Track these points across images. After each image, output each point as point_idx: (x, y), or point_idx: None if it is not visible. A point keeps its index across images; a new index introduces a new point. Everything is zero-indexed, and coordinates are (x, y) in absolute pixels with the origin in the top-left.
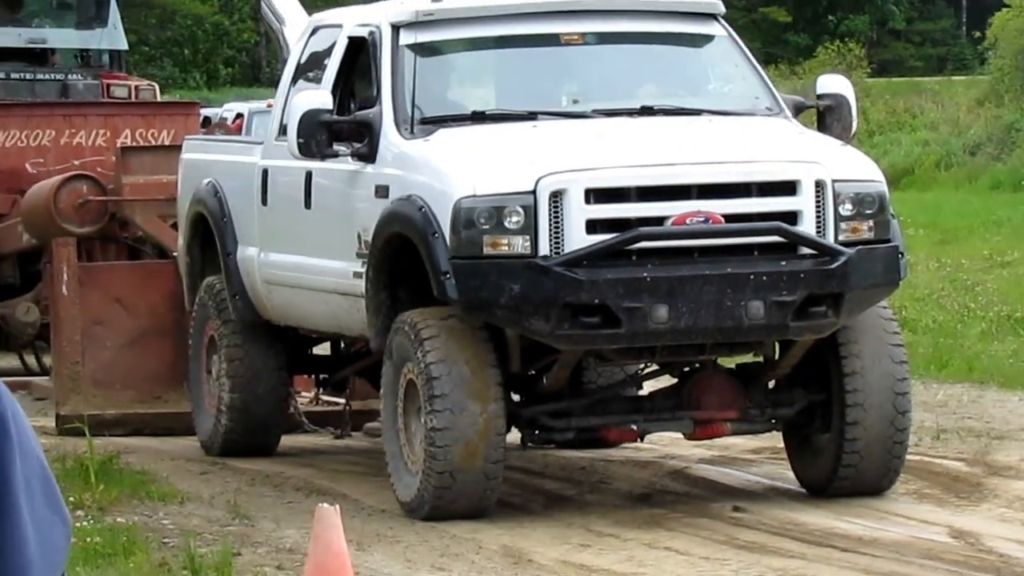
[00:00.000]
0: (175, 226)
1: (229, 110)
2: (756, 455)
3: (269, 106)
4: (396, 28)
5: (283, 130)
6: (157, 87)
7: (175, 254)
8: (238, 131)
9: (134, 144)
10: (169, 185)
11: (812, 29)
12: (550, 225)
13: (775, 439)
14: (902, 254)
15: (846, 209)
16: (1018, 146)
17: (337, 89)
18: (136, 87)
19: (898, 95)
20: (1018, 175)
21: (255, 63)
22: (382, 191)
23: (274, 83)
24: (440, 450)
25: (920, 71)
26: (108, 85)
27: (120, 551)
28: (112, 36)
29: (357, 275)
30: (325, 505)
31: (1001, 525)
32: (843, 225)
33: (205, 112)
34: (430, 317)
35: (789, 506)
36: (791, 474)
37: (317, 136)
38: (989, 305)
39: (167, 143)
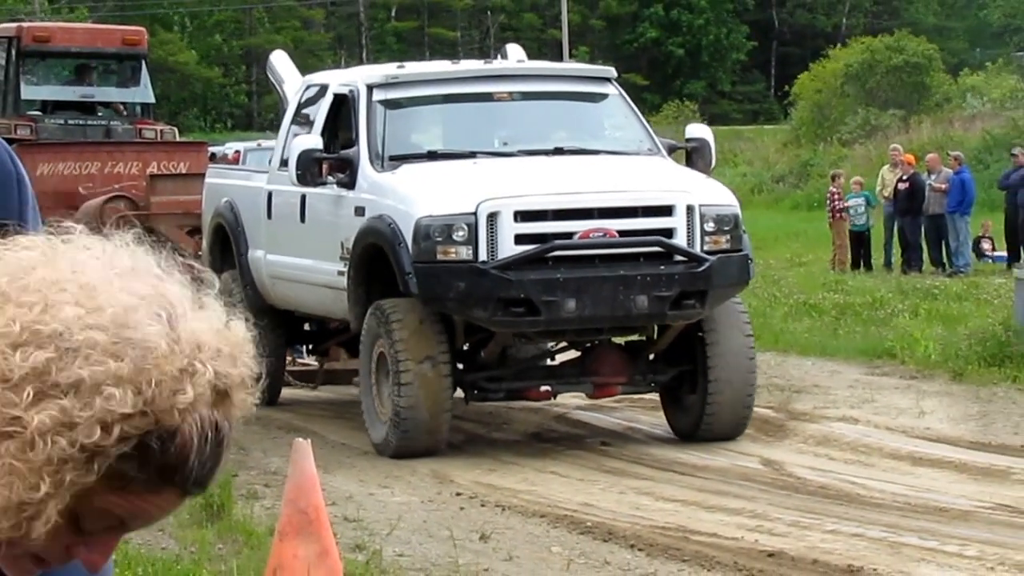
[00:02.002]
0: (190, 233)
1: (229, 147)
2: (618, 404)
3: (259, 145)
4: (370, 87)
5: (284, 163)
6: (176, 130)
7: (199, 254)
8: (235, 162)
9: (160, 172)
10: (186, 203)
11: (661, 91)
12: (487, 238)
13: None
14: (751, 260)
15: (709, 227)
16: (812, 177)
17: (325, 133)
18: (161, 130)
19: (724, 140)
20: (811, 199)
21: (248, 114)
22: (360, 211)
23: (263, 128)
24: (403, 420)
25: (740, 122)
26: (140, 129)
27: None
28: (143, 93)
29: (341, 273)
30: (300, 439)
31: (798, 456)
32: (707, 239)
33: (212, 149)
34: (400, 315)
35: (642, 442)
36: (644, 418)
37: (311, 169)
38: (790, 294)
39: (184, 172)
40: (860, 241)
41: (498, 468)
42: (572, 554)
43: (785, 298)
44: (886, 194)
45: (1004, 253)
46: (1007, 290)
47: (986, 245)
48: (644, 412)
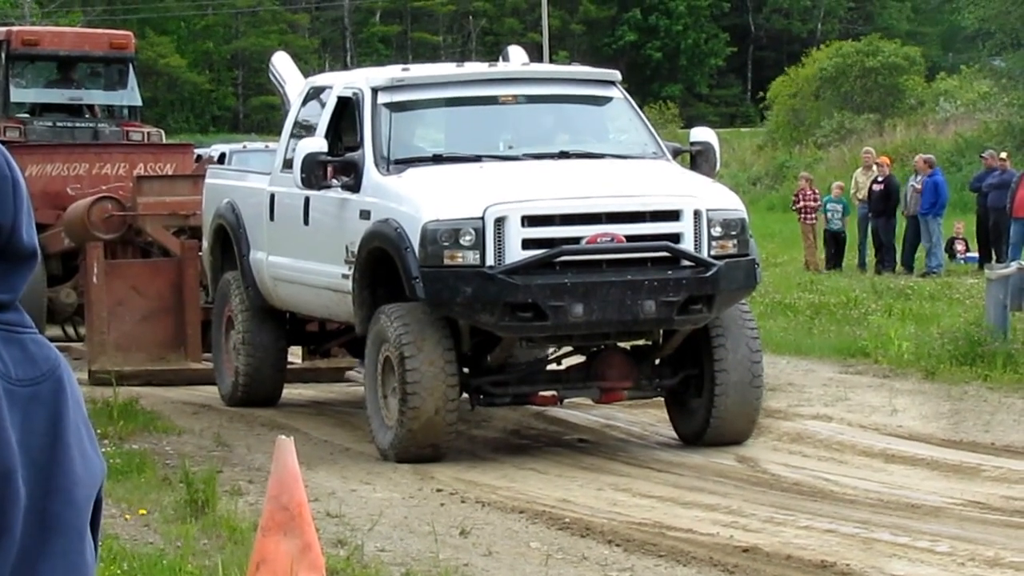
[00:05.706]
0: (176, 234)
1: (215, 150)
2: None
3: (244, 147)
4: (375, 90)
5: (287, 164)
6: (163, 132)
7: (176, 255)
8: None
9: (146, 174)
10: (172, 204)
11: (640, 93)
12: (495, 243)
13: None
14: (758, 265)
15: (716, 231)
16: (787, 179)
17: (328, 136)
18: (148, 132)
19: None
20: (787, 200)
21: (235, 116)
22: (365, 214)
23: (248, 130)
24: (410, 425)
25: (717, 124)
26: (127, 131)
27: (134, 469)
28: (131, 96)
29: (345, 277)
30: (283, 436)
31: (773, 453)
32: (714, 243)
33: (198, 151)
34: (406, 320)
35: (619, 439)
36: (621, 415)
37: (316, 172)
38: (766, 294)
39: (170, 173)
40: (836, 241)
41: (478, 465)
42: (550, 549)
43: (760, 297)
44: (860, 196)
45: (976, 254)
46: (979, 290)
47: (959, 246)
48: (621, 410)
